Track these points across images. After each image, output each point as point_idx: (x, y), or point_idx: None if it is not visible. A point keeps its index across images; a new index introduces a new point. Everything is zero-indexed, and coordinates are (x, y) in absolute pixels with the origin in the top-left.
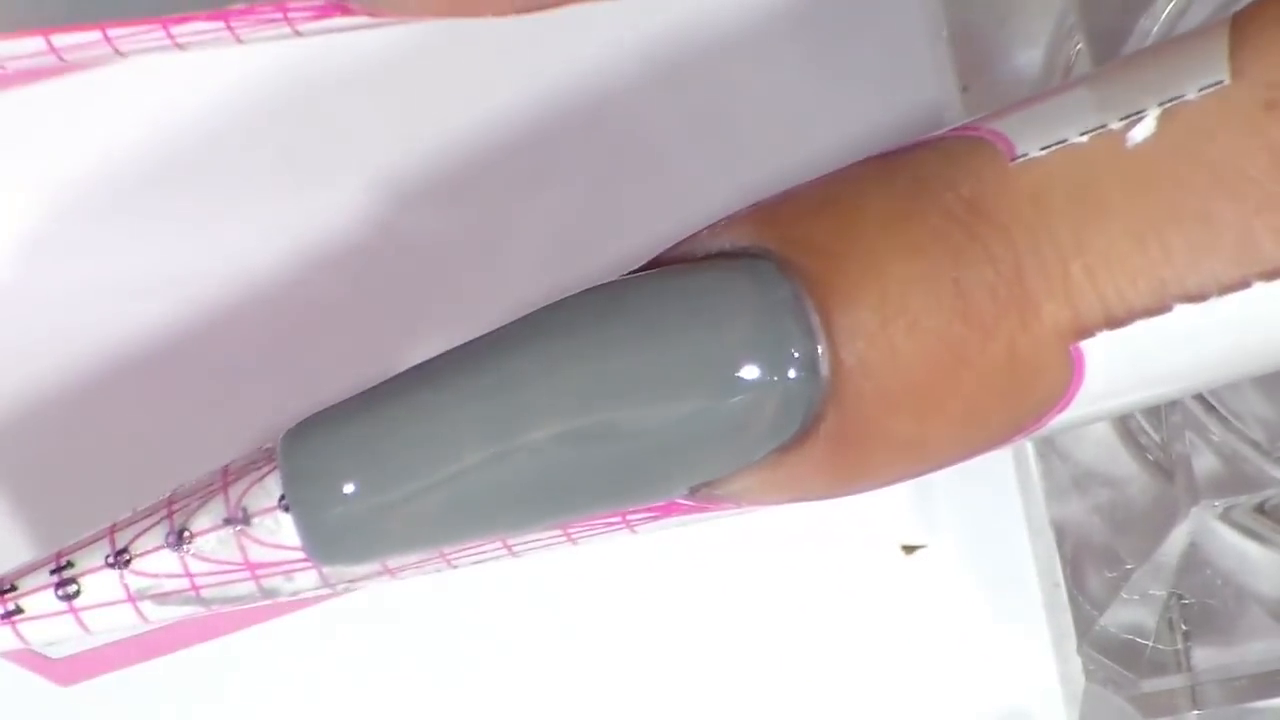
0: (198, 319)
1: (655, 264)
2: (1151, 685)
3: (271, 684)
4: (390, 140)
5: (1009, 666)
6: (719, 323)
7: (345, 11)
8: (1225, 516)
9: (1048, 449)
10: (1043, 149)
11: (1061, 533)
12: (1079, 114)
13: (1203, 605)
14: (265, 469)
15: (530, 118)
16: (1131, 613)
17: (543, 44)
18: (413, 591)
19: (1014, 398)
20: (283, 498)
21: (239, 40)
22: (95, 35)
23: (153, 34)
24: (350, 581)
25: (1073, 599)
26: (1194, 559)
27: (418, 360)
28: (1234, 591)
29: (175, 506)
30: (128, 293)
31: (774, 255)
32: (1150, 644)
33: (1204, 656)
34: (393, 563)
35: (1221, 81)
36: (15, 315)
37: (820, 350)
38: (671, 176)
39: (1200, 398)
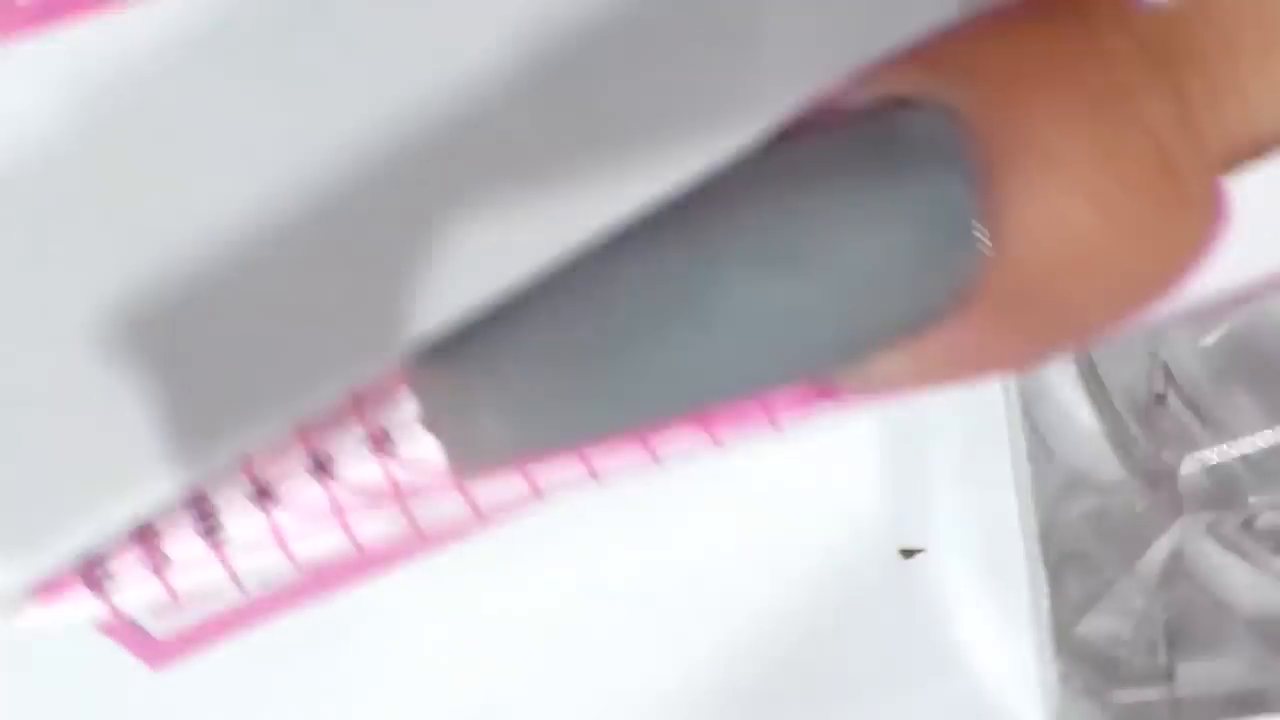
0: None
1: (792, 125)
2: (1128, 696)
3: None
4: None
5: (994, 670)
6: (900, 171)
7: None
8: (1211, 532)
9: (1040, 451)
10: None
11: (1047, 537)
12: None
13: (1184, 619)
14: (398, 390)
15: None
16: (1110, 622)
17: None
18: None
19: (1164, 251)
20: (422, 417)
21: None
22: None
23: None
24: (501, 509)
25: (1053, 604)
26: (1176, 572)
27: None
28: (1216, 607)
29: (310, 434)
30: None
31: (941, 106)
32: (1127, 654)
33: (1187, 671)
34: (541, 481)
35: None
36: None
37: (984, 211)
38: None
39: (1195, 411)
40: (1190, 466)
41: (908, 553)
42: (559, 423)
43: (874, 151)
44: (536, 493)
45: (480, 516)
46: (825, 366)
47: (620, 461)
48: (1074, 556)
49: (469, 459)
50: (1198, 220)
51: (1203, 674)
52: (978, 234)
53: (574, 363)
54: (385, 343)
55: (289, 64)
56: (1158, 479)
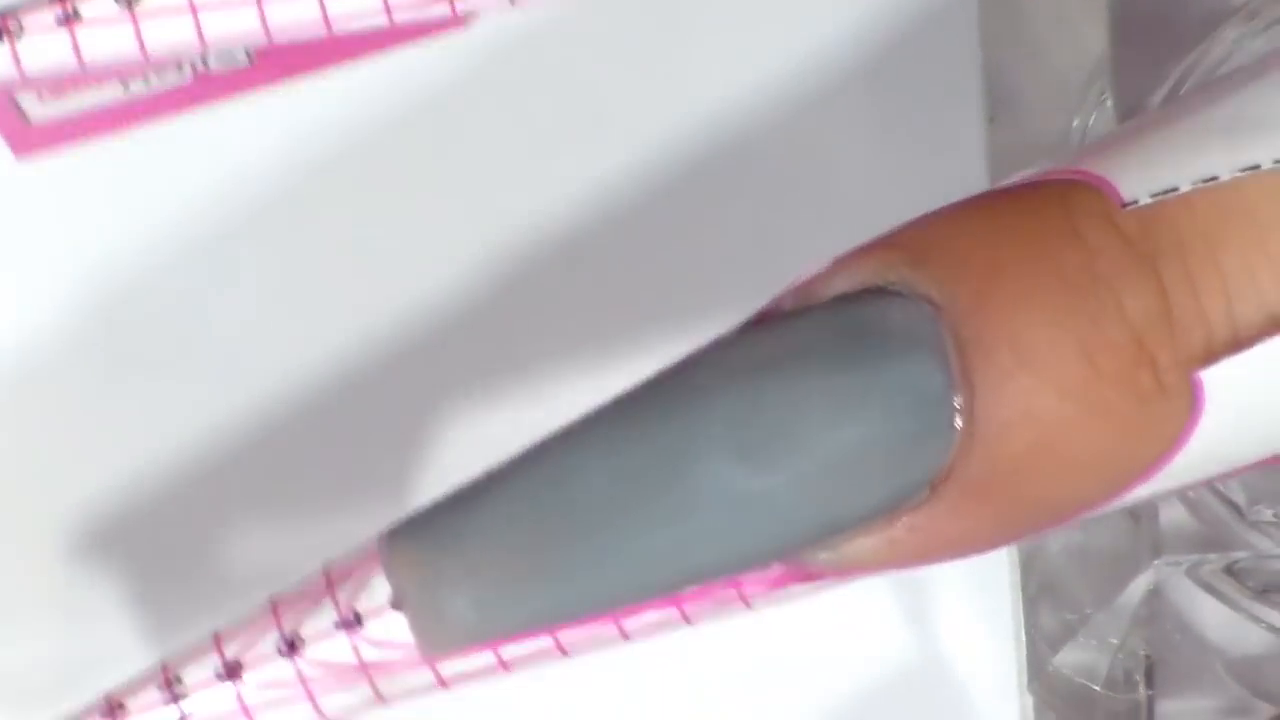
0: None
1: (770, 312)
2: None
3: None
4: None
5: (978, 699)
6: (875, 359)
7: None
8: (1191, 573)
9: None
10: (1152, 197)
11: (1028, 568)
12: (1187, 161)
13: (1162, 657)
14: (370, 569)
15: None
16: (1086, 657)
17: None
18: None
19: (1138, 442)
20: (393, 597)
21: None
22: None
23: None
24: (466, 677)
25: (1029, 636)
26: (1155, 611)
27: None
28: (1195, 646)
29: (282, 613)
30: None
31: (919, 295)
32: (1102, 691)
33: (1165, 709)
34: (509, 655)
35: None
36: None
37: (958, 401)
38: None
39: None
40: (1173, 505)
41: None
42: (527, 606)
43: (849, 339)
44: (504, 666)
45: (445, 687)
46: (798, 551)
47: (588, 637)
48: (1052, 589)
49: (437, 640)
50: (1174, 412)
51: (1181, 713)
52: (952, 423)
53: (542, 548)
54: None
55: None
56: (1139, 515)
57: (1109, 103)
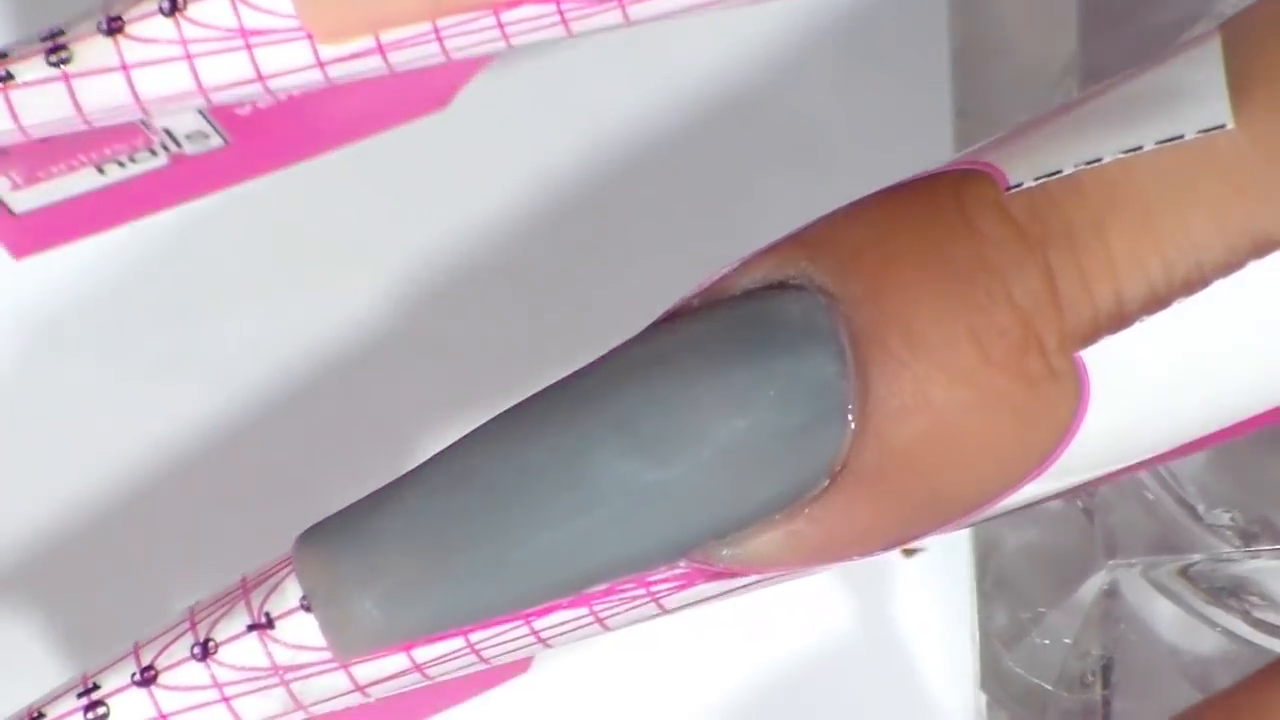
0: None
1: (677, 310)
2: None
3: None
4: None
5: (933, 696)
6: (768, 351)
7: None
8: (1147, 575)
9: None
10: (1036, 180)
11: (983, 566)
12: (1074, 145)
13: (1117, 658)
14: (283, 573)
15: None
16: (1038, 657)
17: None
18: None
19: (1031, 428)
20: (304, 598)
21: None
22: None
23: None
24: (382, 682)
25: (983, 633)
26: (1109, 612)
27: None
28: (1149, 650)
29: (198, 618)
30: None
31: (816, 287)
32: (1054, 690)
33: (1122, 710)
34: (422, 657)
35: (1222, 126)
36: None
37: (851, 390)
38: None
39: None
40: (1129, 506)
41: (909, 551)
42: (433, 606)
43: (744, 332)
44: (419, 670)
45: (364, 694)
46: (701, 546)
47: (503, 641)
48: (1006, 587)
49: (346, 641)
50: (1065, 396)
51: (1137, 713)
52: (845, 413)
53: (446, 548)
54: None
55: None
56: (1095, 516)
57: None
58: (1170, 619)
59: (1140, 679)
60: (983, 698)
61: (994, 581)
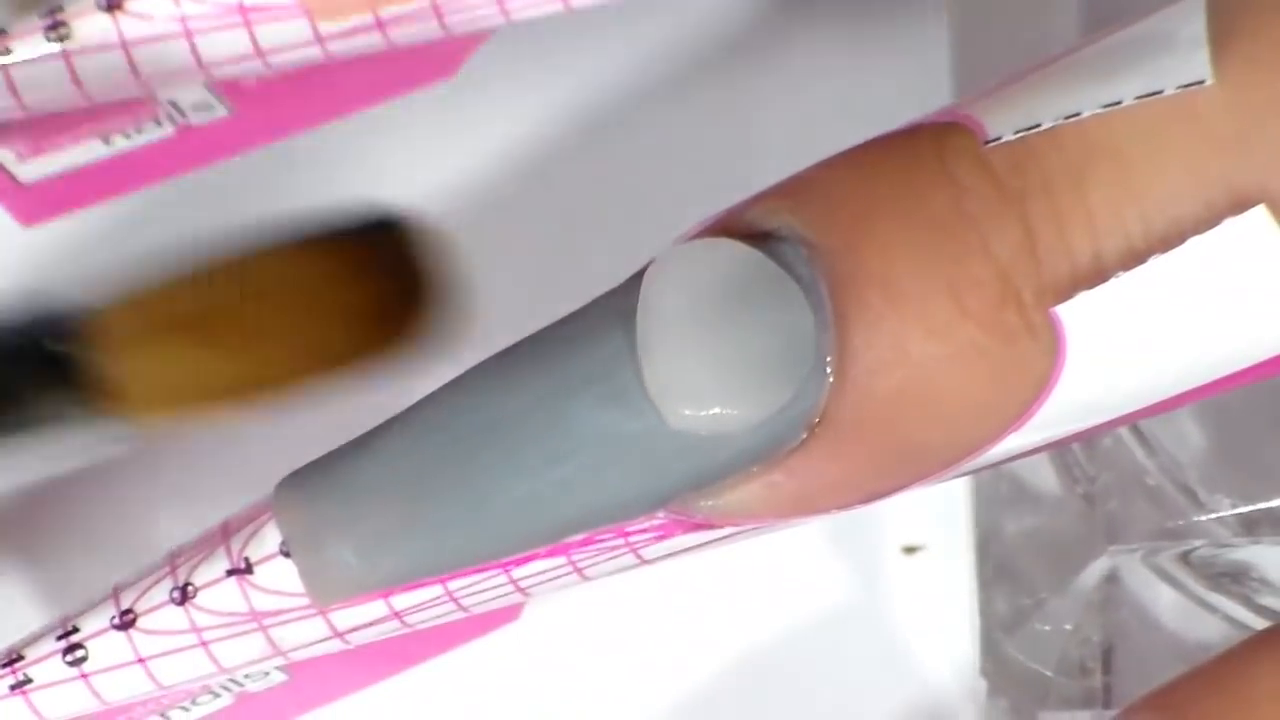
0: None
1: None
2: (1051, 718)
3: None
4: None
5: (933, 682)
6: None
7: None
8: (1147, 561)
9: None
10: (1016, 133)
11: (984, 552)
12: (1054, 99)
13: (1118, 644)
14: (264, 519)
15: (530, 126)
16: (1039, 643)
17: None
18: None
19: (1008, 382)
20: (283, 544)
21: None
22: None
23: None
24: (361, 629)
25: (983, 619)
26: (1109, 599)
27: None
28: (1150, 636)
29: (178, 563)
30: None
31: (798, 238)
32: (1055, 676)
33: (1123, 697)
34: (401, 605)
35: (1202, 81)
36: None
37: (829, 342)
38: (664, 174)
39: (1142, 440)
40: (1130, 492)
41: (909, 549)
42: (410, 553)
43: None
44: (398, 617)
45: (344, 640)
46: (679, 496)
47: (483, 590)
48: (1006, 573)
49: (324, 588)
50: (1042, 351)
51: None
52: (824, 364)
53: (423, 495)
54: None
55: None
56: (1096, 501)
57: None
58: (1171, 605)
59: (1141, 665)
60: (983, 684)
61: (995, 568)
